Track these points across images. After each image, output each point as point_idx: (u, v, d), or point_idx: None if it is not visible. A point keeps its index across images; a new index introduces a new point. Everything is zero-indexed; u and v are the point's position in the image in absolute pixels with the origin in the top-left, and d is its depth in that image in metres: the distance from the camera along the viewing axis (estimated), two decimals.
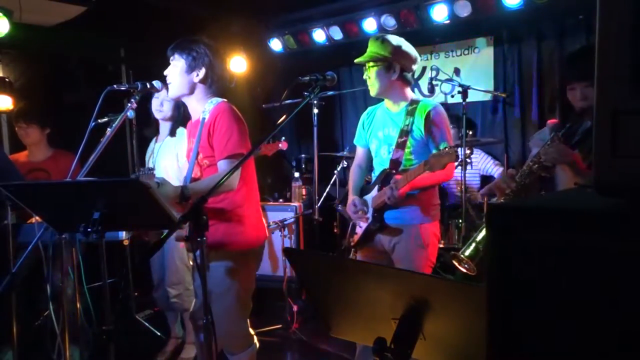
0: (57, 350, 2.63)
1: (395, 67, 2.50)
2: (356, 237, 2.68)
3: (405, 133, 2.48)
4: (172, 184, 2.16)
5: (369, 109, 2.76)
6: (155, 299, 3.56)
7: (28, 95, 4.08)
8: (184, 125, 2.89)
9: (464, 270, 2.59)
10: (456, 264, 2.39)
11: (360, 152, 2.80)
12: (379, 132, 2.62)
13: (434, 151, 2.38)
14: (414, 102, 2.55)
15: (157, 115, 3.21)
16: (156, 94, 3.11)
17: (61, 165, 3.42)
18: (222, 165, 2.21)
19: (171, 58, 2.34)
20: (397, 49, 2.50)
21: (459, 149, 4.23)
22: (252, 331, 2.46)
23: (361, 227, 2.64)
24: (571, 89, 1.94)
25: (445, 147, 2.29)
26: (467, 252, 2.27)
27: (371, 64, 2.51)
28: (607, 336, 0.65)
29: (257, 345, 2.47)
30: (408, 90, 2.60)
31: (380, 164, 2.61)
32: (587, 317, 0.66)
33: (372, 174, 2.72)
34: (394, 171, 2.50)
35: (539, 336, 0.70)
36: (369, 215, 2.58)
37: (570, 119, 1.95)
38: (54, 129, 3.63)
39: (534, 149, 2.18)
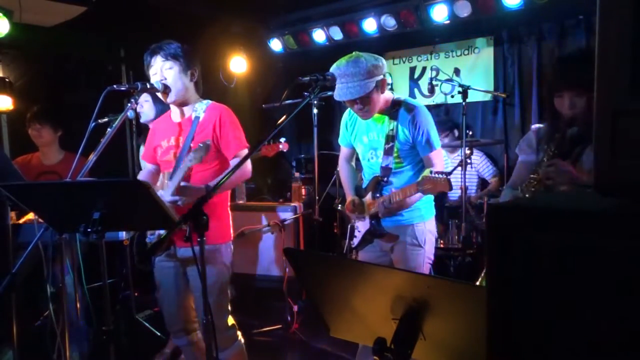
0: (57, 350, 2.63)
1: (383, 82, 2.42)
2: (355, 240, 2.69)
3: (391, 138, 2.46)
4: (193, 186, 2.26)
5: (350, 109, 2.62)
6: (157, 299, 3.55)
7: (28, 96, 4.09)
8: None
9: None
10: None
11: (345, 150, 2.79)
12: (364, 137, 2.59)
13: (426, 173, 2.28)
14: (396, 104, 2.48)
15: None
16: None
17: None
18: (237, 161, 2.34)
19: (162, 60, 2.34)
20: (377, 66, 2.38)
21: (459, 150, 4.26)
22: (235, 325, 2.51)
23: (360, 231, 2.65)
24: (559, 96, 1.88)
25: (436, 174, 2.22)
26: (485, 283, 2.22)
27: (370, 93, 2.35)
28: (608, 336, 0.65)
29: (242, 340, 2.53)
30: (388, 92, 2.51)
31: (369, 167, 2.60)
32: (588, 318, 0.66)
33: (363, 175, 2.71)
34: (385, 179, 2.50)
35: (539, 336, 0.70)
36: (366, 222, 2.59)
37: (557, 125, 1.91)
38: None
39: (521, 156, 2.14)
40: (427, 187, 2.25)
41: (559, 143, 1.86)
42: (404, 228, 2.51)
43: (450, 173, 4.06)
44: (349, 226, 2.78)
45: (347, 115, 2.70)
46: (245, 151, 2.38)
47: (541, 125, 2.12)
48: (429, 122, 2.47)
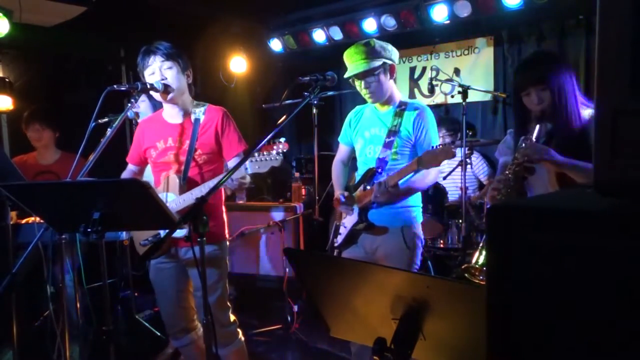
0: (57, 350, 2.63)
1: (392, 67, 2.51)
2: (339, 238, 2.66)
3: (393, 133, 2.49)
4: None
5: (357, 108, 2.75)
6: (156, 300, 3.55)
7: (28, 96, 4.08)
8: None
9: (480, 282, 2.49)
10: (470, 277, 2.30)
11: (343, 149, 2.81)
12: (366, 132, 2.61)
13: (429, 148, 2.38)
14: (403, 104, 2.55)
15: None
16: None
17: (69, 168, 3.43)
18: (235, 161, 2.39)
19: (161, 61, 2.35)
20: (387, 49, 2.50)
21: (458, 149, 4.25)
22: (237, 321, 2.53)
23: (346, 227, 2.63)
24: (526, 94, 2.01)
25: (437, 146, 2.28)
26: (481, 261, 2.20)
27: (375, 70, 2.44)
28: (608, 336, 0.65)
29: (243, 338, 2.55)
30: (397, 90, 2.61)
31: (365, 163, 2.60)
32: (588, 318, 0.66)
33: (356, 174, 2.71)
34: (380, 170, 2.50)
35: (539, 336, 0.70)
36: (355, 214, 2.57)
37: (527, 118, 2.05)
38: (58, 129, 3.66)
39: (501, 159, 2.26)
40: (427, 160, 2.28)
41: (538, 134, 1.96)
42: (391, 229, 2.50)
43: (449, 174, 4.10)
44: (334, 224, 2.77)
45: (353, 113, 2.75)
46: (242, 153, 2.42)
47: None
48: (432, 125, 2.52)
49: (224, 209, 2.56)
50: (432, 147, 2.32)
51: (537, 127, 1.95)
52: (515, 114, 2.19)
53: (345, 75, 2.49)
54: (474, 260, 2.20)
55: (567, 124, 1.95)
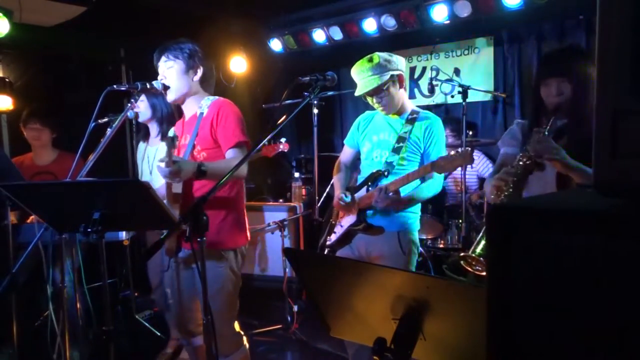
0: (57, 350, 2.63)
1: (400, 77, 2.52)
2: (333, 237, 2.65)
3: (402, 139, 2.50)
4: (189, 161, 2.16)
5: (367, 113, 2.75)
6: (154, 300, 3.55)
7: (28, 96, 4.08)
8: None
9: (476, 272, 2.48)
10: (466, 266, 2.27)
11: (348, 151, 2.80)
12: (374, 136, 2.61)
13: (435, 159, 2.37)
14: (415, 113, 2.57)
15: (140, 118, 3.15)
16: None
17: (67, 167, 3.42)
18: (231, 153, 2.28)
19: (164, 61, 2.34)
20: (391, 61, 2.50)
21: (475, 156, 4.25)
22: (241, 332, 2.46)
23: (342, 226, 2.62)
24: (546, 84, 1.95)
25: (454, 152, 2.27)
26: (478, 250, 2.17)
27: (384, 85, 2.45)
28: (608, 337, 0.65)
29: (247, 346, 2.48)
30: (408, 99, 2.64)
31: (370, 166, 2.59)
32: (587, 318, 0.66)
33: (358, 176, 2.71)
34: (386, 173, 2.49)
35: (539, 337, 0.70)
36: (352, 216, 2.56)
37: (541, 111, 1.99)
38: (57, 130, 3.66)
39: (503, 149, 2.18)
40: (442, 165, 2.28)
41: (550, 128, 1.90)
42: (388, 233, 2.49)
43: (449, 173, 4.10)
44: (329, 222, 2.76)
45: (362, 117, 2.75)
46: (242, 145, 2.29)
47: (525, 120, 2.16)
48: (442, 135, 2.55)
49: (243, 210, 2.43)
50: (450, 154, 2.31)
51: (551, 120, 1.89)
52: (531, 104, 2.11)
53: (356, 93, 2.51)
54: (471, 250, 2.18)
55: (581, 122, 1.87)
